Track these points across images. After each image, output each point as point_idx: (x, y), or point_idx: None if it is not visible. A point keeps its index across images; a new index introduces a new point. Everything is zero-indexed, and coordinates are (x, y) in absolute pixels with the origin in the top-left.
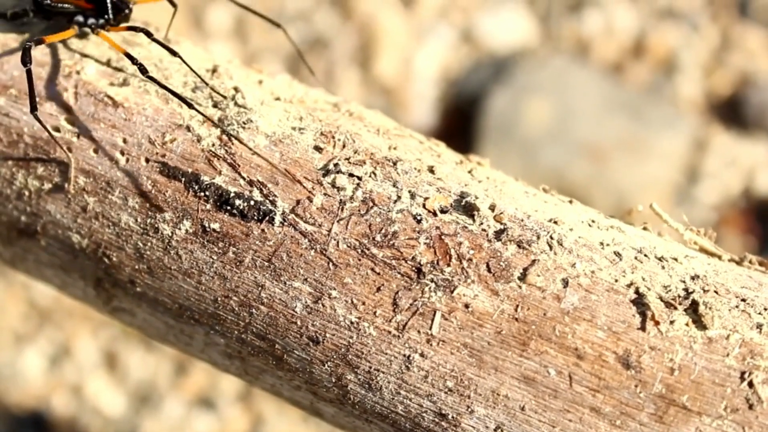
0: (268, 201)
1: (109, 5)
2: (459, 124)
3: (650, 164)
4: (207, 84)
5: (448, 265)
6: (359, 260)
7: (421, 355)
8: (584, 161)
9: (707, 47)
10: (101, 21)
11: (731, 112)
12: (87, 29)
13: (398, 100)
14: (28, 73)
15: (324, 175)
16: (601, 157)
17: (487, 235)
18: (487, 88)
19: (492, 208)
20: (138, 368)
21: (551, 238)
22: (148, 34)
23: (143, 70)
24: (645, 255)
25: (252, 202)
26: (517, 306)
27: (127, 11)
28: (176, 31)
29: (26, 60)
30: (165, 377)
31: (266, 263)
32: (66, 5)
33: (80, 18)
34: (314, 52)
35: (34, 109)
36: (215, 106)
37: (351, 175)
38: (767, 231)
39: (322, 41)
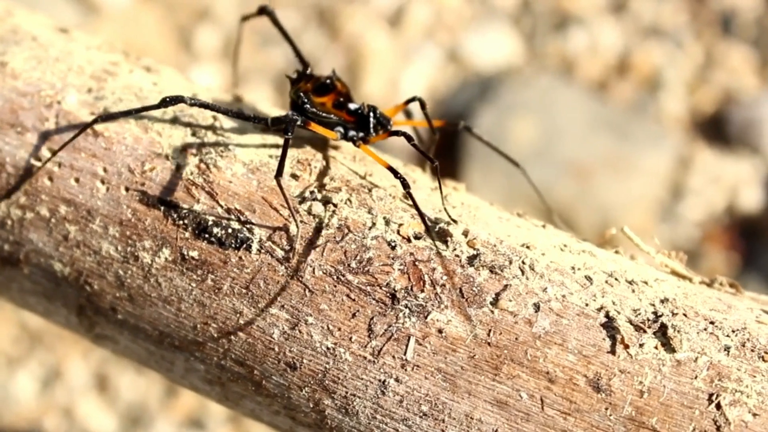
0: (245, 229)
1: (371, 123)
2: (445, 142)
3: (635, 181)
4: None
5: (422, 291)
6: (335, 287)
7: (396, 380)
8: (569, 179)
9: (691, 65)
10: (361, 134)
11: (715, 129)
12: (348, 141)
13: None
14: (286, 142)
15: (300, 203)
16: (586, 175)
17: (460, 260)
18: (473, 107)
19: (465, 233)
20: (128, 390)
21: (523, 263)
22: (409, 139)
23: (405, 185)
24: (615, 279)
25: (230, 230)
26: (490, 331)
27: (389, 127)
28: (164, 53)
29: (289, 130)
30: (155, 398)
31: (244, 290)
32: (329, 115)
33: (341, 129)
34: None
35: (279, 174)
36: (194, 134)
37: (327, 202)
38: (751, 247)
39: (310, 61)
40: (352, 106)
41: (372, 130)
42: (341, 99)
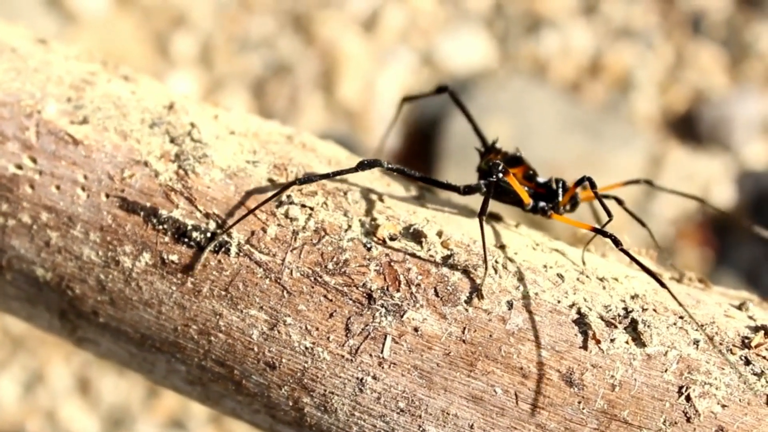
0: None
1: (560, 192)
2: (420, 145)
3: (608, 181)
4: None
5: (398, 291)
6: (312, 288)
7: (374, 377)
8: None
9: (662, 65)
10: (550, 206)
11: (686, 127)
12: (536, 212)
13: (361, 123)
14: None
15: (277, 207)
16: (559, 175)
17: (435, 260)
18: (448, 110)
19: (439, 234)
20: (110, 392)
21: (497, 262)
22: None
23: (617, 242)
24: (587, 276)
25: (208, 234)
26: (464, 328)
27: (578, 199)
28: (141, 60)
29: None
30: (137, 400)
31: (223, 292)
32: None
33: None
34: (278, 78)
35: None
36: (172, 141)
37: (303, 205)
38: (723, 243)
39: (286, 67)
40: (540, 179)
41: (560, 201)
42: (531, 171)
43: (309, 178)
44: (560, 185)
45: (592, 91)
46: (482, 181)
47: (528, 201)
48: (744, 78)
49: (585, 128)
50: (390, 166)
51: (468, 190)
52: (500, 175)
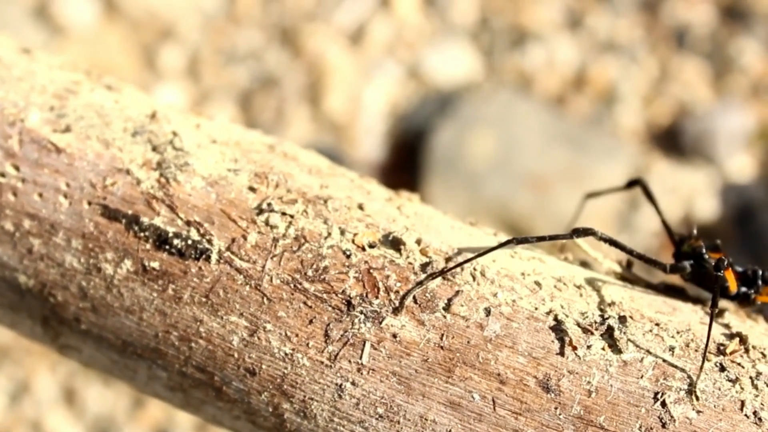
0: (204, 240)
1: (759, 281)
2: (406, 157)
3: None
4: None
5: (377, 298)
6: (292, 294)
7: (353, 383)
8: (528, 191)
9: (646, 78)
10: (753, 291)
11: (670, 140)
12: (739, 298)
13: (347, 135)
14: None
15: (258, 214)
16: (544, 187)
17: (414, 268)
18: (433, 122)
19: (418, 242)
20: (96, 402)
21: (474, 269)
22: None
23: None
24: (564, 284)
25: (189, 241)
26: (443, 335)
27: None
28: (129, 72)
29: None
30: (123, 411)
31: (204, 299)
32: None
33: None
34: (265, 90)
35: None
36: (154, 149)
37: (283, 213)
38: None
39: (273, 79)
40: (738, 267)
41: (759, 289)
42: (729, 259)
43: (525, 239)
44: (755, 272)
45: (577, 104)
46: (687, 262)
47: (735, 288)
48: (727, 91)
49: (569, 141)
50: (603, 236)
51: (673, 269)
52: (711, 262)
